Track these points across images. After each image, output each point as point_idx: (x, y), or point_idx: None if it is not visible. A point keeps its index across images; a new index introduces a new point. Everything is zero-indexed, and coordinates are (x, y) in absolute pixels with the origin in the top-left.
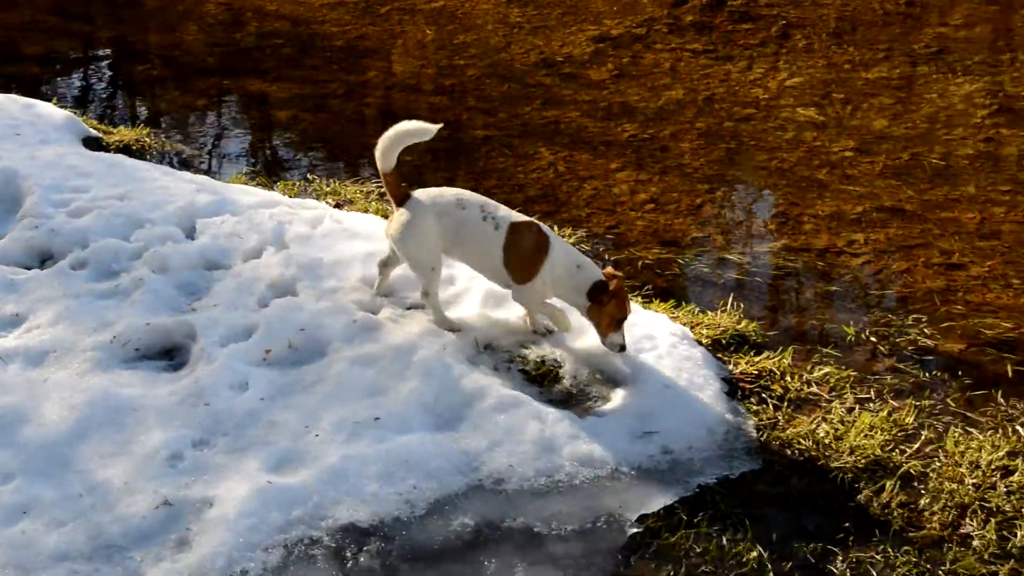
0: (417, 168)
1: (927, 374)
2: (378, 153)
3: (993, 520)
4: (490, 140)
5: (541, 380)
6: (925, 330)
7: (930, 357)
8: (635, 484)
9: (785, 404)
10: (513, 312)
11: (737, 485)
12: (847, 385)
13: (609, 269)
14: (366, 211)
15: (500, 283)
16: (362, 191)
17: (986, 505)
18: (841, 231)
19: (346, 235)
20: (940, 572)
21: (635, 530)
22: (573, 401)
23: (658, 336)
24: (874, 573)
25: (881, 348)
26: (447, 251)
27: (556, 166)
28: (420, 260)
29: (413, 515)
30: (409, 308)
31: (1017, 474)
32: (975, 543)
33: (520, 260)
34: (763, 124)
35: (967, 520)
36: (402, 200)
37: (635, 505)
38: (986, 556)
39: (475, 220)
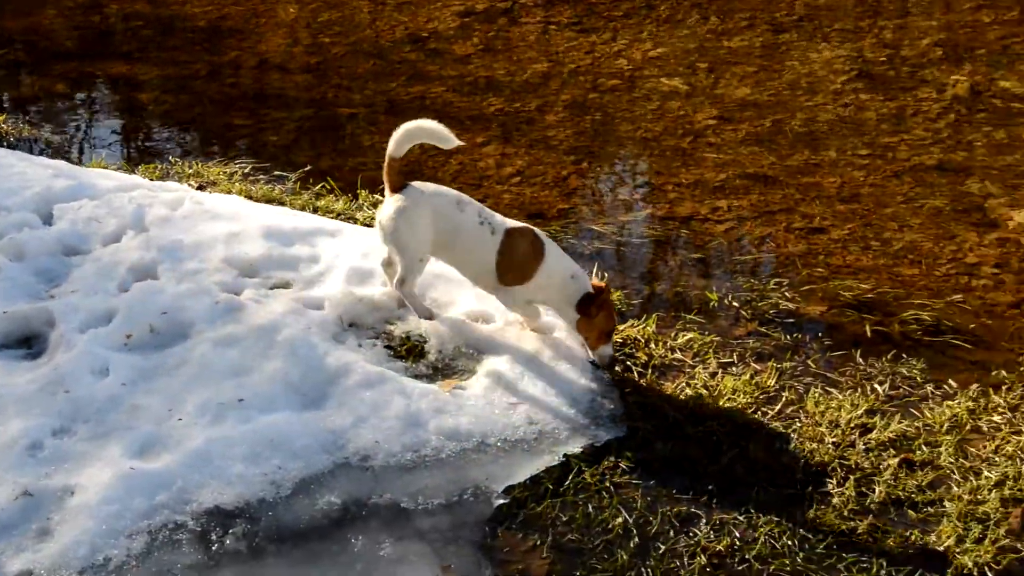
0: (284, 147)
1: (788, 337)
2: (394, 138)
3: (852, 477)
4: (356, 117)
5: (407, 355)
6: (787, 294)
7: (791, 320)
8: (501, 456)
9: (650, 371)
10: (378, 289)
11: (603, 453)
12: (710, 350)
13: (596, 280)
14: (229, 192)
15: (486, 287)
16: (225, 172)
17: (845, 463)
18: (705, 199)
19: (207, 216)
20: (800, 530)
21: (501, 501)
22: (439, 375)
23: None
24: (736, 533)
25: (744, 313)
26: (434, 251)
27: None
28: (409, 248)
29: (279, 495)
30: (273, 288)
31: (875, 431)
32: (835, 500)
33: (514, 265)
34: (628, 95)
35: (827, 478)
36: (398, 188)
37: (501, 476)
38: (845, 512)
39: (472, 224)
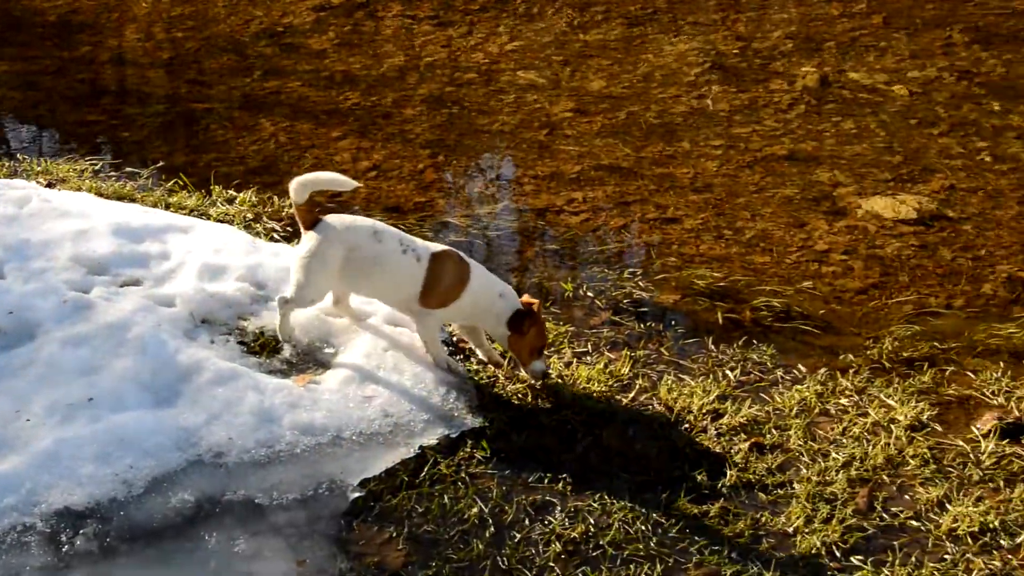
0: (137, 143)
1: (642, 325)
2: (292, 188)
3: (704, 462)
4: (210, 113)
5: (261, 351)
6: (641, 283)
7: (645, 309)
8: (356, 449)
9: (505, 362)
10: (231, 284)
11: (458, 444)
12: (565, 340)
13: (527, 297)
14: (79, 189)
15: (405, 311)
16: (75, 169)
17: (697, 448)
18: (561, 190)
19: (56, 214)
20: (654, 515)
21: (357, 494)
22: (294, 370)
23: (378, 302)
24: (591, 520)
25: (598, 302)
26: (349, 283)
27: (277, 136)
28: (306, 288)
29: (131, 494)
30: (123, 285)
31: (727, 416)
32: (687, 485)
33: (440, 289)
34: (484, 88)
35: (680, 464)
36: (311, 224)
37: (357, 470)
38: (697, 497)
39: (394, 254)
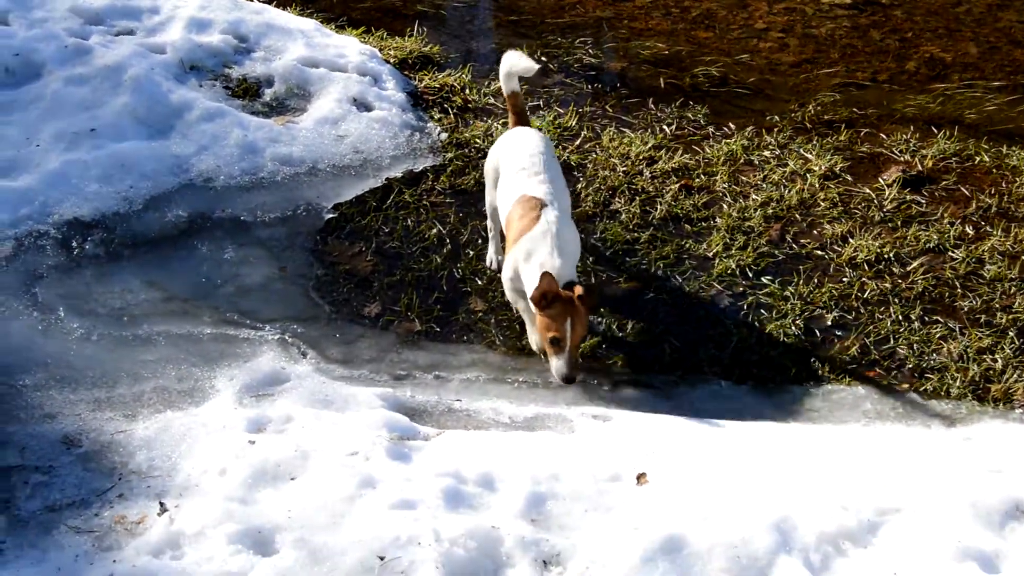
0: None
1: (590, 87)
2: (504, 79)
3: (638, 199)
4: None
5: (244, 95)
6: (591, 51)
7: (593, 73)
8: (330, 179)
9: (466, 114)
10: (216, 37)
11: (421, 178)
12: None
13: (579, 288)
14: None
15: None
16: None
17: (633, 187)
18: None
19: None
20: (592, 240)
21: (331, 216)
22: (273, 112)
23: (349, 55)
24: None
25: (551, 66)
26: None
27: None
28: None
29: (132, 209)
30: (118, 35)
31: (660, 163)
32: (622, 216)
33: (509, 230)
34: None
35: (616, 199)
36: (526, 120)
37: (330, 196)
38: (630, 226)
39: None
